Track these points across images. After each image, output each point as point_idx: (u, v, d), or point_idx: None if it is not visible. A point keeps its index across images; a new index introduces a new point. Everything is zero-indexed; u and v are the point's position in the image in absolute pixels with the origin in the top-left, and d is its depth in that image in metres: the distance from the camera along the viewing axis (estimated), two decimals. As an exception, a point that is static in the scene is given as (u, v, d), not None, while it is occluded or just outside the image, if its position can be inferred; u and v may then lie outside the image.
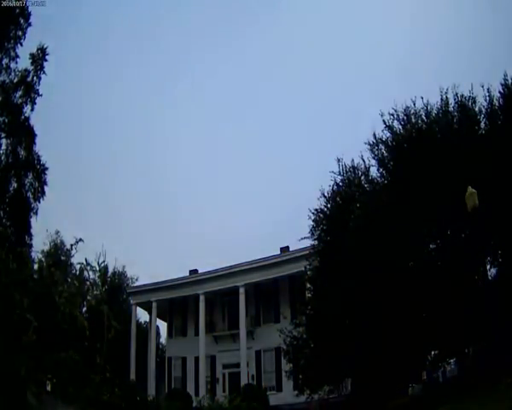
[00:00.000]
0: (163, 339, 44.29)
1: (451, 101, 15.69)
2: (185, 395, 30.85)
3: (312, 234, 18.38)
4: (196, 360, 33.86)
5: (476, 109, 15.36)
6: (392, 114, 16.40)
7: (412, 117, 16.17)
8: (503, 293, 13.57)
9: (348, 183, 17.86)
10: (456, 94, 15.58)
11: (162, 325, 41.96)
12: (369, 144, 16.87)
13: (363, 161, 17.44)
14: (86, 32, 74.54)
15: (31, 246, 25.11)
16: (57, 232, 40.89)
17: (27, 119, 25.97)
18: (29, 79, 25.69)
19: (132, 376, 33.32)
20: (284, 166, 76.85)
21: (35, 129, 26.52)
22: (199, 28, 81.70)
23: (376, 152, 16.83)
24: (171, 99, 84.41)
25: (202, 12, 79.30)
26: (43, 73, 26.38)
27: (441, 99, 15.75)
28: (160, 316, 38.44)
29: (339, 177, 18.04)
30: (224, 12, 79.62)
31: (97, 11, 72.46)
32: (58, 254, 36.86)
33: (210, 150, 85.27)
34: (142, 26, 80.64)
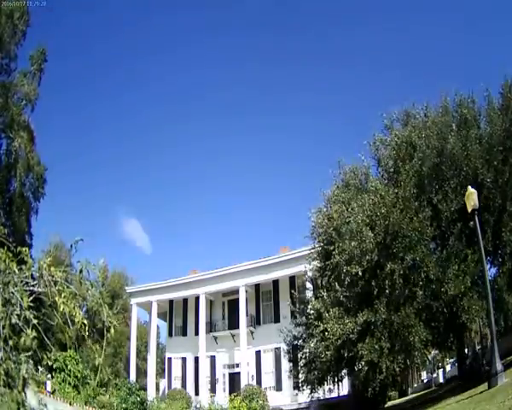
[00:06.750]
0: (163, 339, 44.35)
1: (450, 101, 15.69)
2: (185, 395, 30.89)
3: (312, 234, 18.35)
4: (196, 359, 33.90)
5: (475, 110, 15.34)
6: (392, 115, 16.39)
7: (412, 118, 16.15)
8: (503, 293, 13.60)
9: (348, 183, 17.83)
10: (456, 94, 15.58)
11: (162, 325, 42.02)
12: (370, 145, 16.87)
13: (363, 161, 17.43)
14: (86, 33, 74.49)
15: (31, 246, 25.18)
16: (57, 233, 41.03)
17: (27, 119, 26.06)
18: (29, 79, 25.78)
19: (132, 376, 33.34)
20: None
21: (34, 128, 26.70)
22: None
23: (376, 152, 16.82)
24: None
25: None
26: (43, 73, 26.51)
27: (440, 99, 15.75)
28: (160, 316, 38.49)
29: (339, 177, 18.02)
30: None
31: (97, 11, 72.37)
32: (58, 254, 36.92)
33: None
34: (141, 28, 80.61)
